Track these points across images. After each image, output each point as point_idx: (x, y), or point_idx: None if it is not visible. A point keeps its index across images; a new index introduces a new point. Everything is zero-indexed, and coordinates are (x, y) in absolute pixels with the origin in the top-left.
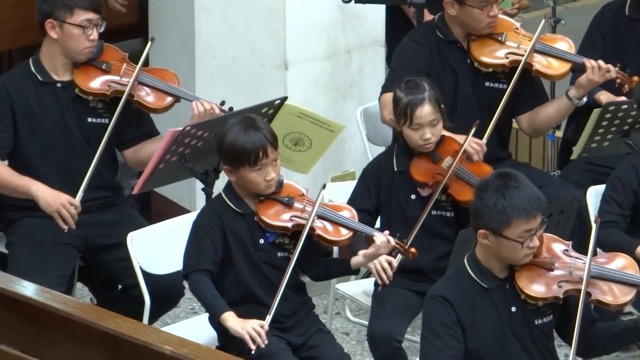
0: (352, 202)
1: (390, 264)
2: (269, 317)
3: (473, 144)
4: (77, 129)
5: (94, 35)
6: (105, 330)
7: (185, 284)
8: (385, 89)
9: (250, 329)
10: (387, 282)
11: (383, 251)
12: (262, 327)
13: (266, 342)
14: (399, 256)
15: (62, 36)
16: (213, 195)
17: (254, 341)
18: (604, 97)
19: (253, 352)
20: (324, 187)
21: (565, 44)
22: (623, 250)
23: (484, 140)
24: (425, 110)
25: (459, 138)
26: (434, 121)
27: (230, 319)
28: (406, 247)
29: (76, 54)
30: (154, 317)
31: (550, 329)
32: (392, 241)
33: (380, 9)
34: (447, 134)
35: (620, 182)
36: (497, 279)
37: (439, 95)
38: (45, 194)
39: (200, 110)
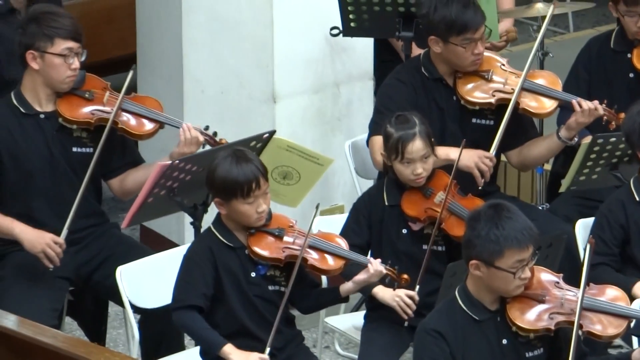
0: (343, 237)
1: (412, 298)
2: (267, 350)
3: (485, 160)
4: (63, 158)
5: (76, 64)
6: None
7: None
8: (373, 131)
9: None
10: (412, 315)
11: (375, 278)
12: None
13: None
14: (417, 288)
15: (43, 66)
16: (202, 229)
17: None
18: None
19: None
20: (317, 208)
21: (552, 81)
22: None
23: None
24: (417, 145)
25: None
26: (425, 155)
27: (232, 352)
28: (398, 273)
29: (59, 84)
30: (153, 354)
31: None
32: (384, 269)
33: (368, 42)
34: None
35: (607, 219)
36: (488, 311)
37: (429, 130)
38: (28, 235)
39: (187, 137)
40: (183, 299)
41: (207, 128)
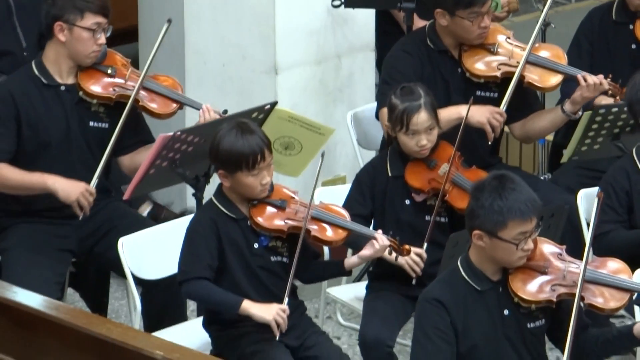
0: (346, 207)
1: (420, 255)
2: (286, 299)
3: (496, 115)
4: (79, 132)
5: (102, 39)
6: (96, 336)
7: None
8: (381, 103)
9: (277, 315)
10: (420, 274)
11: (380, 253)
12: (283, 311)
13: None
14: (425, 245)
15: (70, 39)
16: (204, 201)
17: (278, 326)
18: (605, 101)
19: (277, 338)
20: (322, 156)
21: (557, 54)
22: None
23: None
24: (422, 117)
25: (472, 110)
26: (430, 127)
27: (251, 306)
28: (399, 244)
29: (83, 58)
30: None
31: (542, 333)
32: (387, 241)
33: (370, 13)
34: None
35: (612, 187)
36: (490, 281)
37: (434, 101)
38: (63, 186)
39: (207, 119)
40: (189, 271)
41: (225, 112)
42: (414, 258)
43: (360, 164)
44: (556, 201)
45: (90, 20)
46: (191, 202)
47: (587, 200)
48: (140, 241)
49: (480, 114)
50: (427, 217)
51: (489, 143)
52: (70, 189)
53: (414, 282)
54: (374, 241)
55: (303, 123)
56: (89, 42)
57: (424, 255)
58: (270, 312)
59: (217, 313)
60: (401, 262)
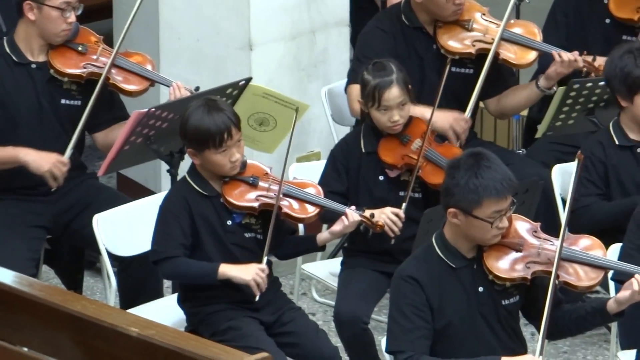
0: (323, 184)
1: (398, 215)
2: (265, 259)
3: (460, 122)
4: (51, 110)
5: (72, 17)
6: (71, 313)
7: None
8: (351, 79)
9: (256, 275)
10: (398, 233)
11: (351, 229)
12: (262, 270)
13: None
14: (404, 206)
15: (40, 18)
16: (178, 177)
17: (258, 285)
18: None
19: (257, 298)
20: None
21: (531, 31)
22: (622, 213)
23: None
24: (394, 93)
25: (436, 115)
26: (402, 103)
27: (230, 269)
28: (373, 220)
29: (53, 36)
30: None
31: (516, 310)
32: (359, 217)
33: None
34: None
35: (590, 160)
36: (465, 258)
37: (406, 77)
38: (34, 157)
39: (177, 96)
40: (163, 251)
41: (197, 89)
42: (391, 217)
43: (335, 139)
44: (531, 176)
45: None
46: (165, 179)
47: (562, 176)
48: (115, 218)
49: (443, 120)
50: (401, 193)
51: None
52: (41, 160)
53: (392, 241)
54: (344, 217)
55: (278, 99)
56: (59, 20)
57: (402, 215)
58: (249, 272)
59: (191, 289)
60: (379, 221)
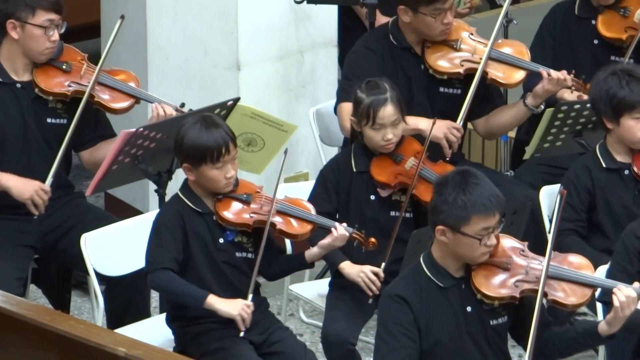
0: (312, 204)
1: (376, 275)
2: (250, 296)
3: (454, 130)
4: (37, 129)
5: (55, 36)
6: (58, 332)
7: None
8: (341, 98)
9: (242, 310)
10: (377, 292)
11: (339, 242)
12: (248, 306)
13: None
14: (383, 265)
15: (23, 36)
16: (166, 197)
17: (243, 321)
18: (568, 95)
19: (242, 334)
20: (285, 153)
21: (519, 51)
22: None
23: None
24: (388, 111)
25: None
26: (396, 121)
27: (217, 302)
28: (365, 237)
29: (37, 55)
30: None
31: (504, 330)
32: (348, 232)
33: (333, 9)
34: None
35: (574, 185)
36: (453, 278)
37: (399, 96)
38: (16, 183)
39: (160, 114)
40: (157, 262)
41: (182, 105)
42: (370, 276)
43: (323, 160)
44: (519, 197)
45: (42, 17)
46: (153, 199)
47: (550, 197)
48: (102, 238)
49: (437, 129)
50: (392, 213)
51: (447, 158)
52: (23, 187)
53: (370, 301)
54: (333, 229)
55: (266, 120)
56: (42, 39)
57: (382, 275)
58: (235, 307)
59: (180, 309)
60: (357, 280)
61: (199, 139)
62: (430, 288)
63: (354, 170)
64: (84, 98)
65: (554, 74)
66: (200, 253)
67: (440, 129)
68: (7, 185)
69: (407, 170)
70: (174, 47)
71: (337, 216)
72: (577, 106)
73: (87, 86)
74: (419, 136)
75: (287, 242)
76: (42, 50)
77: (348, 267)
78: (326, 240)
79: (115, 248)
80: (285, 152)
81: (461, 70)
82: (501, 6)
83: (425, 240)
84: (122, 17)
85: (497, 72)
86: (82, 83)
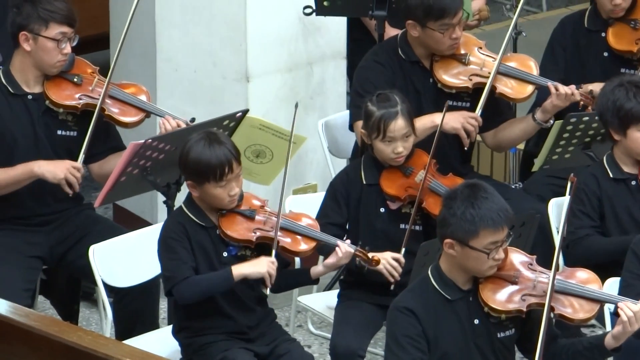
0: (322, 215)
1: (397, 260)
2: (274, 252)
3: (471, 120)
4: (47, 140)
5: (67, 49)
6: (67, 344)
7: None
8: (355, 116)
9: (270, 268)
10: (399, 279)
11: (344, 261)
12: (273, 262)
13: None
14: (403, 250)
15: (35, 49)
16: (174, 208)
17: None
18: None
19: (268, 291)
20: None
21: (528, 65)
22: (619, 250)
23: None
24: (399, 124)
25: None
26: (406, 134)
27: (243, 268)
28: (369, 255)
29: (49, 67)
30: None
31: (511, 343)
32: (352, 249)
33: (342, 21)
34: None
35: (585, 192)
36: (460, 290)
37: (410, 108)
38: (49, 167)
39: (168, 129)
40: (176, 276)
41: (193, 120)
42: (391, 263)
43: (332, 172)
44: (527, 210)
45: (55, 30)
46: (162, 210)
47: (559, 209)
48: (111, 249)
49: (454, 120)
50: (402, 226)
51: (465, 149)
52: (56, 169)
53: (392, 287)
54: (337, 249)
55: (275, 131)
56: (54, 52)
57: (402, 260)
58: (263, 266)
59: (186, 320)
60: (379, 267)
61: (203, 157)
62: (438, 300)
63: (364, 182)
64: (96, 112)
65: (562, 89)
66: (205, 266)
67: (456, 119)
68: (40, 171)
69: (416, 183)
70: (183, 59)
71: (347, 228)
72: (586, 118)
73: (98, 99)
74: (430, 147)
75: None
76: (54, 63)
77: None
78: (331, 260)
79: (124, 259)
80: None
81: (470, 84)
82: (510, 18)
83: (434, 252)
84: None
85: (506, 87)
86: (92, 96)
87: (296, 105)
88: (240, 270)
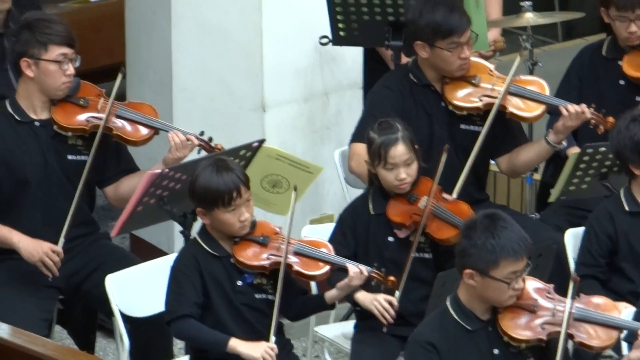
0: None
1: (390, 303)
2: (273, 338)
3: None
4: (58, 166)
5: (70, 69)
6: None
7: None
8: (355, 137)
9: (265, 353)
10: (391, 321)
11: (356, 282)
12: (272, 349)
13: None
14: (397, 294)
15: (38, 74)
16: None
17: None
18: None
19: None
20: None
21: (539, 86)
22: None
23: (460, 182)
24: (399, 150)
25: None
26: (408, 161)
27: (239, 344)
28: (384, 275)
29: (54, 90)
30: None
31: None
32: (366, 271)
33: (358, 51)
34: None
35: (594, 230)
36: (480, 320)
37: (412, 136)
38: (27, 245)
39: (177, 142)
40: (175, 310)
41: (202, 133)
42: (383, 304)
43: (348, 202)
44: (544, 240)
45: (55, 52)
46: (178, 240)
47: (575, 240)
48: (127, 279)
49: (369, 301)
50: (412, 254)
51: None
52: (33, 250)
53: (384, 329)
54: (348, 269)
55: (291, 161)
56: (57, 74)
57: (395, 303)
58: (258, 350)
59: (204, 351)
60: (371, 307)
61: (210, 183)
62: (458, 331)
63: (372, 212)
64: (99, 130)
65: (572, 108)
66: (218, 296)
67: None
68: (18, 246)
69: (421, 210)
70: (199, 88)
71: (357, 259)
72: (603, 149)
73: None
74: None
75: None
76: (58, 85)
77: (363, 296)
78: (344, 281)
79: (140, 289)
80: (295, 189)
81: (480, 104)
82: (526, 49)
83: (451, 282)
84: (123, 73)
85: (516, 107)
86: (99, 117)
87: (295, 188)
88: (236, 345)
